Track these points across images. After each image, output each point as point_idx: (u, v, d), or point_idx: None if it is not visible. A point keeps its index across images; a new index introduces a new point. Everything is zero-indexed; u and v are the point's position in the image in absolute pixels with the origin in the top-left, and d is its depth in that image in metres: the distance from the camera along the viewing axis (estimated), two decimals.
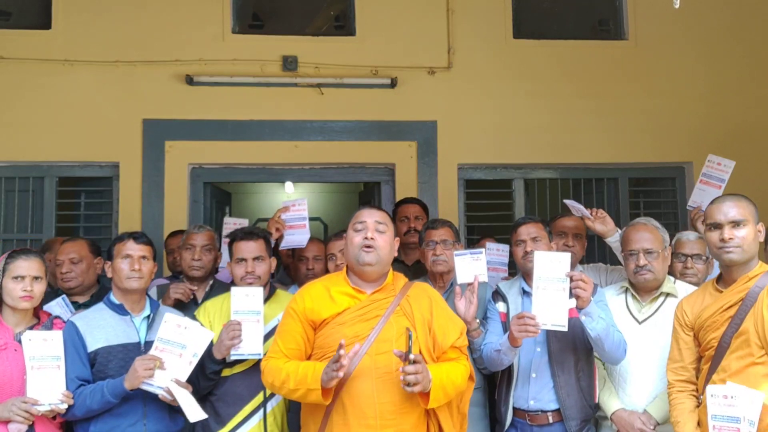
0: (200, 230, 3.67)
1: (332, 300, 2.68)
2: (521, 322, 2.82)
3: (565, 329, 2.83)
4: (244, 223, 4.08)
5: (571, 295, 2.82)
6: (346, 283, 2.73)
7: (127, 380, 2.77)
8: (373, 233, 2.67)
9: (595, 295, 2.98)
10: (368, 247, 2.65)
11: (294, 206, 3.88)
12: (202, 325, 2.97)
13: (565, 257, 2.85)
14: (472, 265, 3.16)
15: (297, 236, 3.78)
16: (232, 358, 2.97)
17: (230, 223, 4.11)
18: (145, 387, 2.80)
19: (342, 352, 2.43)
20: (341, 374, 2.46)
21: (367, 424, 2.54)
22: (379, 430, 2.53)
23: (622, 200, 5.42)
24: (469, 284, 3.12)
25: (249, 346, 2.95)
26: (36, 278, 2.87)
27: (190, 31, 5.12)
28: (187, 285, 3.56)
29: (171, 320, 2.87)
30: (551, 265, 2.83)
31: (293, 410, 3.06)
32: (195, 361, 2.86)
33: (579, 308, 2.86)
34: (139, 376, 2.76)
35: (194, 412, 2.81)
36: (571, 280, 2.81)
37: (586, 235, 3.76)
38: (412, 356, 2.45)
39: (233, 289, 3.03)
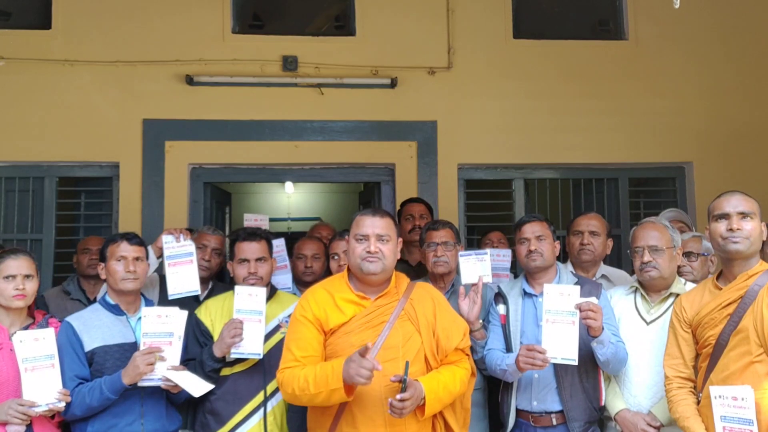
0: (214, 233, 3.60)
1: (338, 309, 2.66)
2: (529, 355, 2.80)
3: (575, 363, 2.81)
4: (264, 219, 3.95)
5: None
6: (349, 289, 2.70)
7: (126, 375, 2.76)
8: (376, 246, 2.63)
9: (600, 299, 2.97)
10: (372, 257, 2.62)
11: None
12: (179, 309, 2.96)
13: (575, 290, 2.83)
14: (476, 266, 3.18)
15: (278, 277, 3.64)
16: (233, 356, 2.97)
17: (251, 219, 3.96)
18: (144, 383, 2.79)
19: (369, 346, 2.40)
20: (374, 369, 2.39)
21: (375, 431, 2.54)
22: None
23: (622, 200, 5.42)
24: (473, 285, 3.12)
25: (250, 346, 2.95)
26: (27, 276, 2.87)
27: (190, 31, 5.12)
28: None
29: (150, 313, 2.88)
30: (560, 298, 2.82)
31: (293, 410, 3.05)
32: (181, 342, 2.87)
33: (592, 337, 2.84)
34: (141, 372, 2.75)
35: (198, 387, 2.81)
36: (581, 310, 2.79)
37: (608, 233, 3.66)
38: (407, 393, 2.42)
39: (237, 287, 3.03)
